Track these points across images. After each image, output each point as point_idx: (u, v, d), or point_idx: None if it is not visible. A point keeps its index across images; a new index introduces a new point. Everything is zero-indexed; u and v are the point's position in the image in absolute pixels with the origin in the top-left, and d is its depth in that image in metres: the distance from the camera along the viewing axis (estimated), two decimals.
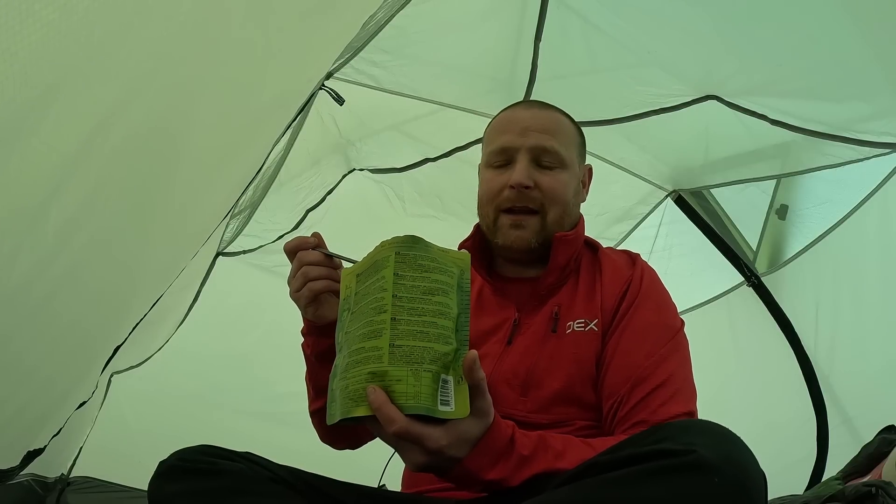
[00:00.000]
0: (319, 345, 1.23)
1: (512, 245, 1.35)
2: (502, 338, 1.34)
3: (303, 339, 1.28)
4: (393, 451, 0.98)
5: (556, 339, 1.29)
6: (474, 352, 0.92)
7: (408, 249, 0.95)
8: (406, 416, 0.88)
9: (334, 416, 0.94)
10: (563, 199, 1.35)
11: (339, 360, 0.97)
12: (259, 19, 1.25)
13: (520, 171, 1.32)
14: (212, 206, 1.87)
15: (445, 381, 0.91)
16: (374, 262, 0.97)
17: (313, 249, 1.18)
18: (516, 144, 1.34)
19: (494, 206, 1.36)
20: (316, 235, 1.20)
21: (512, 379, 1.28)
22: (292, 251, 1.18)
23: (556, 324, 1.31)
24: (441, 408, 0.90)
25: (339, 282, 1.14)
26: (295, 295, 1.19)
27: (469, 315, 0.96)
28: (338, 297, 1.14)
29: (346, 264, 1.15)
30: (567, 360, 1.27)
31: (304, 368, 1.31)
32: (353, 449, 1.41)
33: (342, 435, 1.37)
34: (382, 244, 0.97)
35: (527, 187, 1.32)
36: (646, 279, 1.34)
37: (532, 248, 1.34)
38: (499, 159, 1.37)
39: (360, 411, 0.90)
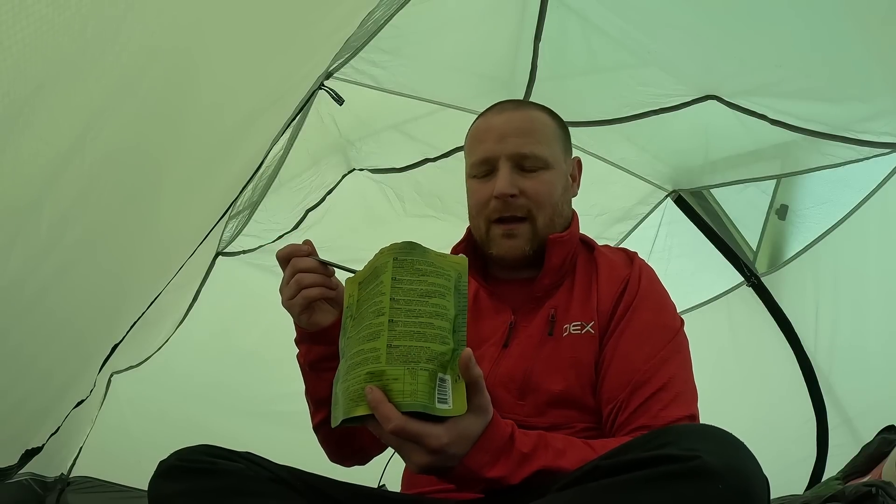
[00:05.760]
0: (312, 353, 1.23)
1: (506, 255, 1.34)
2: (498, 341, 1.32)
3: (297, 350, 1.27)
4: (393, 451, 0.98)
5: (552, 342, 1.28)
6: (469, 349, 0.92)
7: (405, 255, 0.97)
8: (403, 413, 0.89)
9: (337, 418, 0.96)
10: (551, 202, 1.33)
11: (342, 365, 0.99)
12: (251, 12, 1.25)
13: (502, 180, 1.29)
14: (208, 202, 1.87)
15: (443, 380, 0.92)
16: (373, 269, 0.99)
17: (306, 257, 1.17)
18: (496, 153, 1.32)
19: (484, 217, 1.34)
20: (308, 243, 1.19)
21: (509, 383, 1.27)
22: (285, 258, 1.18)
23: (552, 327, 1.29)
24: (439, 405, 0.90)
25: (332, 288, 1.17)
26: (288, 303, 1.18)
27: (466, 317, 0.97)
28: (330, 305, 1.19)
29: (338, 271, 1.16)
30: (564, 363, 1.25)
31: None
32: (363, 464, 1.40)
33: (349, 446, 1.35)
34: (382, 251, 0.99)
35: (512, 196, 1.30)
36: (644, 279, 1.31)
37: (527, 254, 1.33)
38: (481, 170, 1.35)
39: (360, 410, 0.91)
